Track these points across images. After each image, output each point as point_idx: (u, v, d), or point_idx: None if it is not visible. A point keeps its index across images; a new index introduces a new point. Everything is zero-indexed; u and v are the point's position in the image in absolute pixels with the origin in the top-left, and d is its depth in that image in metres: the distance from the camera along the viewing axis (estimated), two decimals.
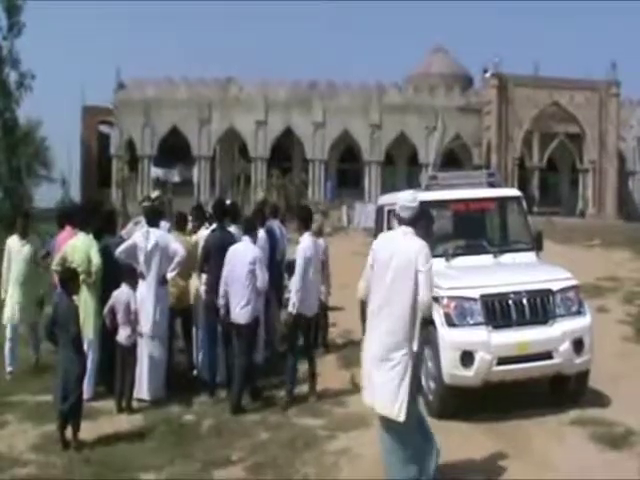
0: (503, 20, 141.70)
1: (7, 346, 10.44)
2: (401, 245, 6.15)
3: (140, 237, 9.43)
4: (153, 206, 10.48)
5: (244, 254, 9.06)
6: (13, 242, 10.74)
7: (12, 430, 8.27)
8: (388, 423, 6.05)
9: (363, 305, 6.29)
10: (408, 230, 6.23)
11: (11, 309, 10.52)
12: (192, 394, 9.41)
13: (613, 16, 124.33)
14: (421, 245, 6.11)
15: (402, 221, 6.33)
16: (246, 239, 9.30)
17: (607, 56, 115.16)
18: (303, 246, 9.15)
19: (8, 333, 10.49)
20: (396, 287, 6.05)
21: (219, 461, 7.05)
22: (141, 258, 9.33)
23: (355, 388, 9.85)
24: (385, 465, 6.21)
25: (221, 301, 9.08)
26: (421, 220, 6.43)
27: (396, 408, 5.94)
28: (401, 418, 5.90)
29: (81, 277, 8.69)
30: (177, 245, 9.46)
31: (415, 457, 6.08)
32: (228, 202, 11.53)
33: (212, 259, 9.55)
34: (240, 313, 8.92)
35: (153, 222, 9.64)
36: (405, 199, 6.36)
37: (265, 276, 9.08)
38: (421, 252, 6.04)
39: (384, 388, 6.02)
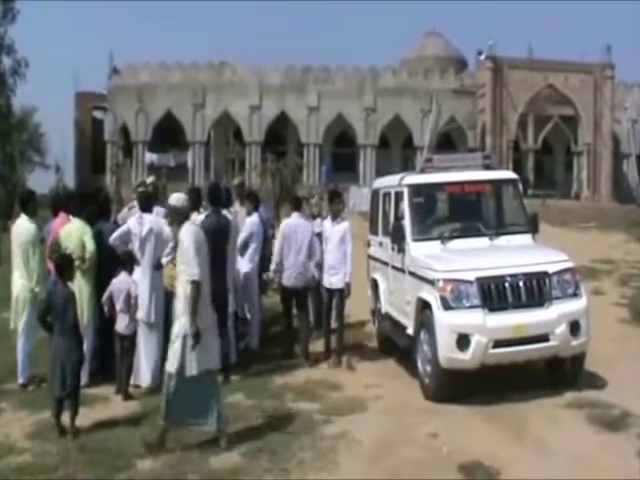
0: (497, 2, 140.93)
1: (25, 354, 9.34)
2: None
3: (134, 223, 9.39)
4: (146, 192, 10.40)
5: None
6: (31, 228, 9.43)
7: (7, 418, 8.23)
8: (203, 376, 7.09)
9: (198, 286, 7.00)
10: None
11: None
12: None
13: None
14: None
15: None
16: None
17: (601, 39, 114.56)
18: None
19: (27, 338, 9.37)
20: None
21: (215, 447, 7.03)
22: (136, 244, 9.29)
23: (351, 371, 9.90)
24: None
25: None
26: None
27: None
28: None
29: (75, 263, 8.64)
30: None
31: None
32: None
33: (208, 243, 9.51)
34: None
35: (146, 207, 9.58)
36: (174, 198, 7.52)
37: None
38: None
39: (216, 346, 7.35)
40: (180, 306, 7.14)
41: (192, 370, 7.01)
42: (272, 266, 10.72)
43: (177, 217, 7.46)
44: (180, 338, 7.02)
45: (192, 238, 7.19)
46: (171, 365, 7.07)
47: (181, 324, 7.07)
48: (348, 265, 10.15)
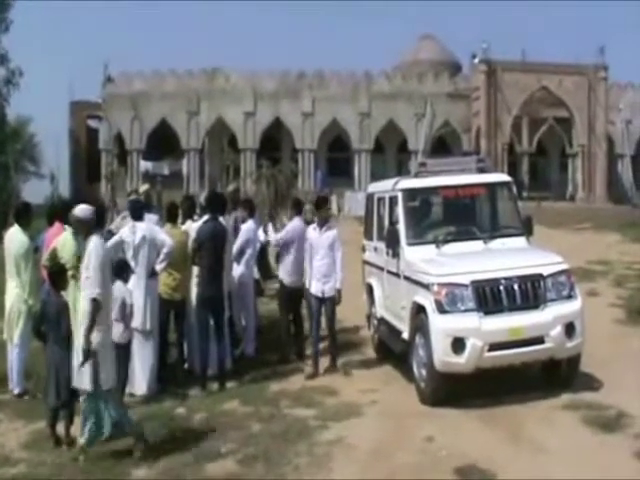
0: (491, 6, 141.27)
1: (21, 364, 9.36)
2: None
3: (127, 232, 9.38)
4: (135, 199, 10.42)
5: None
6: (23, 240, 9.47)
7: (3, 428, 8.22)
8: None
9: (98, 304, 6.99)
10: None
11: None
12: (184, 387, 9.38)
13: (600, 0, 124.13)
14: None
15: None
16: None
17: (595, 40, 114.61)
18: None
19: (22, 348, 9.36)
20: None
21: (211, 454, 7.01)
22: (129, 253, 9.26)
23: (347, 377, 9.88)
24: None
25: None
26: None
27: None
28: None
29: (70, 272, 8.61)
30: (165, 236, 9.40)
31: None
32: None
33: (204, 250, 9.53)
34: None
35: (137, 215, 9.57)
36: (79, 209, 7.43)
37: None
38: None
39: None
40: (83, 321, 7.04)
41: (107, 384, 7.02)
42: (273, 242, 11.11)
43: (81, 228, 7.45)
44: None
45: (99, 255, 7.07)
46: (87, 383, 6.95)
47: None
48: (339, 272, 10.07)
